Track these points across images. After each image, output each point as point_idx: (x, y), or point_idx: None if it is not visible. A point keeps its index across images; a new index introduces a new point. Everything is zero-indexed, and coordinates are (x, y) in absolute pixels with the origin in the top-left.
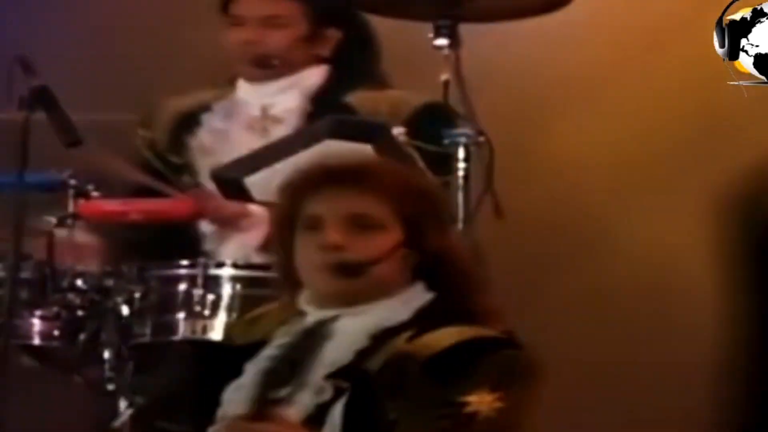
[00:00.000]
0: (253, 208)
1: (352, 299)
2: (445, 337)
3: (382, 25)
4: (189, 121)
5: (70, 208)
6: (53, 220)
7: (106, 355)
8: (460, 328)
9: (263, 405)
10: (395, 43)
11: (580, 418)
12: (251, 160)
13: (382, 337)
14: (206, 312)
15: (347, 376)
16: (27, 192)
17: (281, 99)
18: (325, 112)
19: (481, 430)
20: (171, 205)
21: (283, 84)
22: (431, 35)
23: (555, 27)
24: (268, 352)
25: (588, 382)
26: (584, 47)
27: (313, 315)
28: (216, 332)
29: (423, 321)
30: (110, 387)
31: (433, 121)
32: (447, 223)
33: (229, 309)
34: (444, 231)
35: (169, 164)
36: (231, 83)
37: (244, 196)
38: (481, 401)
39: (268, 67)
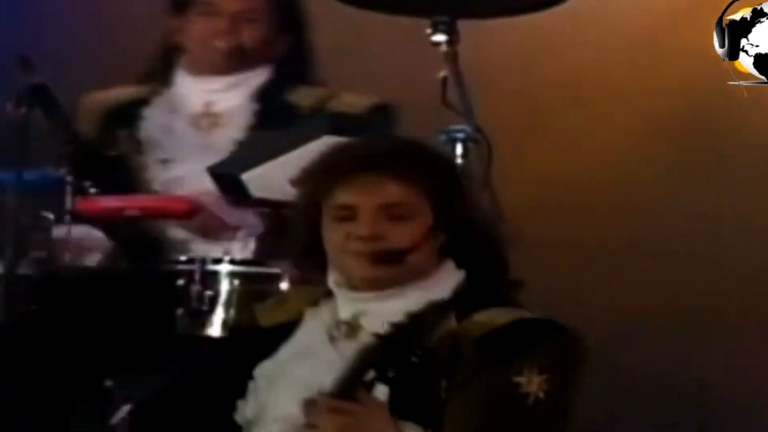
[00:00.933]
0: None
1: (388, 284)
2: (495, 317)
3: (380, 22)
4: (123, 115)
5: (68, 205)
6: (51, 217)
7: None
8: (508, 309)
9: (352, 385)
10: (393, 39)
11: None
12: (249, 156)
13: (427, 316)
14: (204, 308)
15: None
16: (24, 189)
17: (225, 96)
18: (271, 111)
19: (532, 413)
20: (168, 202)
21: (228, 81)
22: (429, 31)
23: (553, 23)
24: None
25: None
26: (582, 44)
27: (344, 296)
28: (214, 328)
29: (464, 300)
30: (108, 384)
31: (381, 123)
32: (474, 199)
33: (227, 305)
34: (471, 207)
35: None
36: (162, 76)
37: (241, 192)
38: (530, 382)
39: (239, 60)
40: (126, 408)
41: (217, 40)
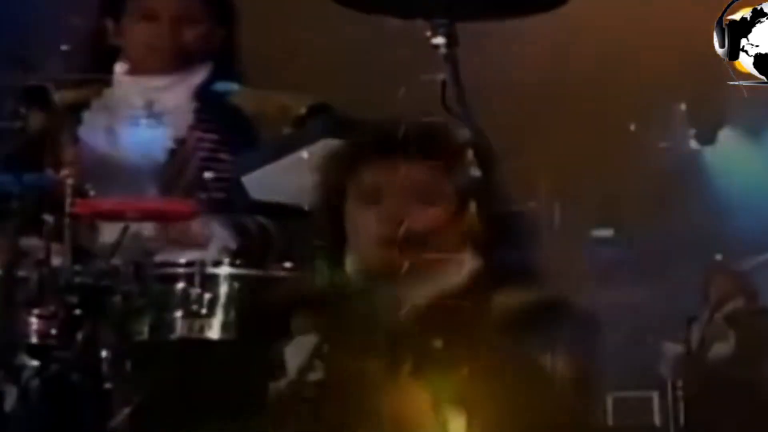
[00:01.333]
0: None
1: (409, 268)
2: (513, 297)
3: (380, 24)
4: (70, 115)
5: (67, 207)
6: (50, 219)
7: (104, 354)
8: (524, 290)
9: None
10: (392, 41)
11: None
12: (249, 158)
13: (450, 301)
14: (204, 311)
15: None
16: (24, 191)
17: (166, 95)
18: (212, 111)
19: (557, 391)
20: (169, 205)
21: (170, 80)
22: (428, 34)
23: (553, 26)
24: None
25: None
26: (583, 45)
27: (362, 279)
28: (213, 331)
29: (478, 284)
30: (108, 386)
31: (319, 123)
32: (498, 188)
33: (227, 308)
34: (495, 196)
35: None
36: (101, 77)
37: (241, 194)
38: (553, 361)
39: (183, 60)
40: (126, 410)
41: (159, 44)
